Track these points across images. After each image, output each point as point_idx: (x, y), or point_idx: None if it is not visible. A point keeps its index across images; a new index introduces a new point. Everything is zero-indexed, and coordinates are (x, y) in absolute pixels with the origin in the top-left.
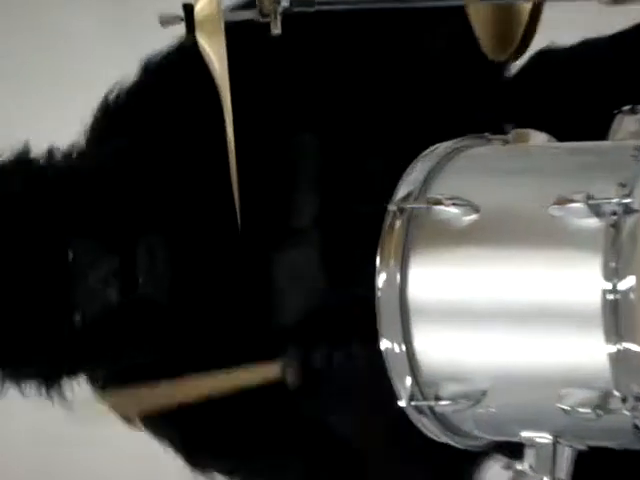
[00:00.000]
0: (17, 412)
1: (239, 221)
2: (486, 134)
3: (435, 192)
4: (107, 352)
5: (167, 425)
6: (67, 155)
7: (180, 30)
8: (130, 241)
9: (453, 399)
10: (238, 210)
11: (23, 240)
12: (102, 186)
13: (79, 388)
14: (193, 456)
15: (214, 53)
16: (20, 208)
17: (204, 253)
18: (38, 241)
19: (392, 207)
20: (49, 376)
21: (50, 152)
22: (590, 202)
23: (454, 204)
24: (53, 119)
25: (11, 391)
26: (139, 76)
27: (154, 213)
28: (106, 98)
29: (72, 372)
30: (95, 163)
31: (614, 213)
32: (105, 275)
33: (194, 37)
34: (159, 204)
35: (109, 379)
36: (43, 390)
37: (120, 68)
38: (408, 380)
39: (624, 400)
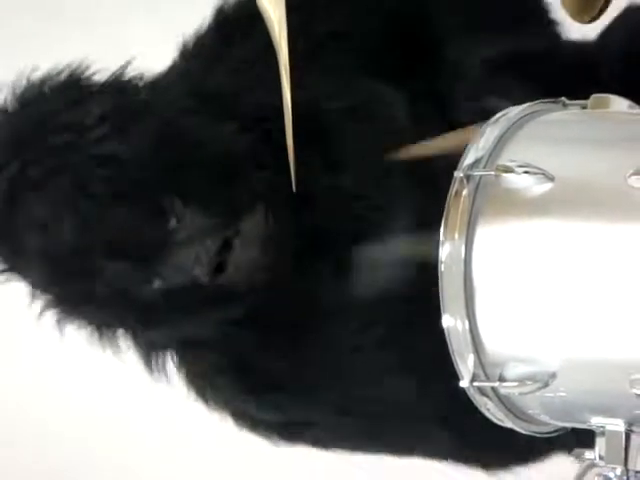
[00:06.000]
0: None
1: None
2: (562, 99)
3: (505, 159)
4: (174, 324)
5: None
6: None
7: None
8: (236, 226)
9: (519, 381)
10: (293, 175)
11: (129, 189)
12: (228, 157)
13: None
14: None
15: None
16: (132, 148)
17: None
18: (145, 196)
19: (458, 174)
20: (106, 325)
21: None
22: None
23: (526, 172)
24: None
25: None
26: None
27: (264, 200)
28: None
29: (133, 330)
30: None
31: None
32: (203, 254)
33: None
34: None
35: None
36: (96, 336)
37: None
38: (471, 359)
39: None
